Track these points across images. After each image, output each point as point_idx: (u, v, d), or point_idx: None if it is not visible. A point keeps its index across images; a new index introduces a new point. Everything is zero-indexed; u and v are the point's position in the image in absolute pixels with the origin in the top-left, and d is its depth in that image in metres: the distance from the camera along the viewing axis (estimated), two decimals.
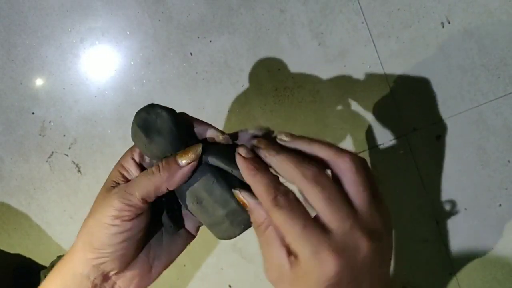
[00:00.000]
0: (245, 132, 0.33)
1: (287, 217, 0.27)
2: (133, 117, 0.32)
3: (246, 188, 0.30)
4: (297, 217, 0.27)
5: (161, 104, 0.34)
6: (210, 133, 0.32)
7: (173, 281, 0.64)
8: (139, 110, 0.33)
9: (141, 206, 0.30)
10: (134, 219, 0.30)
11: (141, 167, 0.32)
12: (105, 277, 0.32)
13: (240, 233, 0.33)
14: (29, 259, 0.64)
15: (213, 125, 0.33)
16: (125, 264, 0.32)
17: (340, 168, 0.29)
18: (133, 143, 0.33)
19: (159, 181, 0.30)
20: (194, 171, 0.31)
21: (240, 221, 0.32)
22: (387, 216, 0.29)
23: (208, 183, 0.31)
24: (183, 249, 0.36)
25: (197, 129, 0.33)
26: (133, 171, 0.32)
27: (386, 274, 0.30)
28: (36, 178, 0.62)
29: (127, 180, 0.32)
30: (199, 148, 0.30)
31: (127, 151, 0.33)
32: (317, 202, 0.27)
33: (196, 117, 0.34)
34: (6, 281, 0.61)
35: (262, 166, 0.29)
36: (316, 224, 0.27)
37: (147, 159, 0.33)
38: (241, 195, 0.30)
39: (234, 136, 0.33)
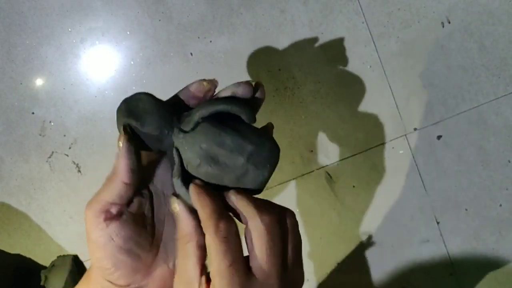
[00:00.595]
0: (227, 88, 0.31)
1: (220, 247, 0.27)
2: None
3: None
4: (230, 251, 0.27)
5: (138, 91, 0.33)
6: (194, 88, 0.31)
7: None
8: (118, 106, 0.33)
9: (115, 208, 0.29)
10: (113, 222, 0.29)
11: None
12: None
13: (270, 174, 0.31)
14: (29, 259, 0.64)
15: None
16: (134, 271, 0.30)
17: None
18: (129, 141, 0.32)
19: (117, 181, 0.29)
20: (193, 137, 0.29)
21: (263, 161, 0.30)
22: (300, 282, 0.30)
23: (215, 137, 0.29)
24: None
25: (182, 95, 0.31)
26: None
27: None
28: (36, 178, 0.62)
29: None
30: (121, 126, 0.30)
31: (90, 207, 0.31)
32: (261, 246, 0.28)
33: None
34: (6, 281, 0.61)
35: (213, 193, 0.29)
36: (244, 266, 0.27)
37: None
38: (174, 204, 0.29)
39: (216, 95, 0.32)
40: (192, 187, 0.29)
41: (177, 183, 0.29)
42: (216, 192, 0.29)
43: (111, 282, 0.30)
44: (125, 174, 0.29)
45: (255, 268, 0.28)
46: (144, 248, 0.30)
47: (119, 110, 0.31)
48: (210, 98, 0.31)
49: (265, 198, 0.30)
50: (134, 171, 0.29)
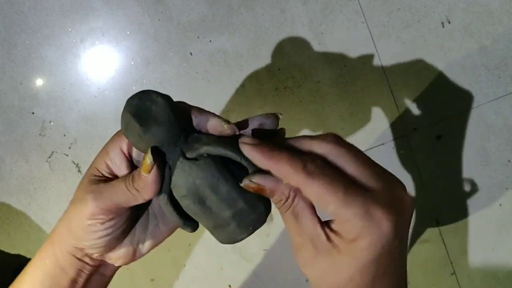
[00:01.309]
0: (254, 119, 0.29)
1: (324, 184, 0.24)
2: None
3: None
4: (336, 181, 0.24)
5: (156, 90, 0.30)
6: (212, 124, 0.28)
7: (173, 281, 0.64)
8: (131, 96, 0.29)
9: (118, 212, 0.29)
10: (112, 220, 0.29)
11: (128, 159, 0.30)
12: (89, 256, 0.32)
13: (247, 236, 0.29)
14: (30, 259, 0.64)
15: (215, 113, 0.29)
16: (107, 251, 0.31)
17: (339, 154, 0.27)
18: (123, 134, 0.29)
19: (134, 193, 0.28)
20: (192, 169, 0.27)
21: (248, 223, 0.28)
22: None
23: (213, 180, 0.27)
24: (170, 234, 0.34)
25: (197, 120, 0.29)
26: (118, 162, 0.29)
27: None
28: (36, 178, 0.62)
29: (110, 172, 0.30)
30: (149, 154, 0.27)
31: (115, 137, 0.30)
32: (355, 165, 0.26)
33: None
34: (6, 281, 0.61)
35: (273, 145, 0.26)
36: (357, 186, 0.25)
37: (135, 152, 0.29)
38: (255, 181, 0.26)
39: (240, 124, 0.29)
40: (243, 146, 0.27)
41: (163, 200, 0.28)
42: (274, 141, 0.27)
43: (80, 250, 0.31)
44: (149, 195, 0.28)
45: (367, 185, 0.26)
46: (124, 232, 0.31)
47: (130, 104, 0.28)
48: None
49: None
50: (156, 192, 0.28)
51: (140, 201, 0.28)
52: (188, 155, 0.28)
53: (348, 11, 0.60)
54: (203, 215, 0.28)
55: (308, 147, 0.27)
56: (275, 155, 0.25)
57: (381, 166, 0.27)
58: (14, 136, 0.61)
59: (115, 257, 0.32)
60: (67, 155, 0.61)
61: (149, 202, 0.32)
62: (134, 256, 0.33)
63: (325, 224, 0.26)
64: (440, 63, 0.62)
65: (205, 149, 0.27)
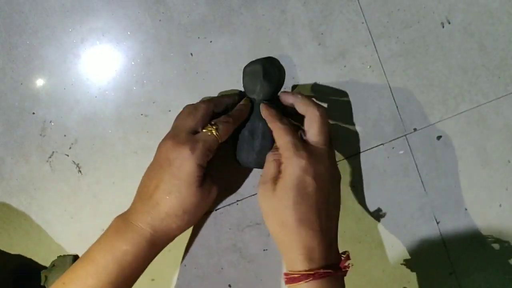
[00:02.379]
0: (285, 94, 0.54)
1: (284, 129, 0.46)
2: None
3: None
4: (291, 131, 0.46)
5: (279, 62, 0.57)
6: (282, 97, 0.55)
7: (173, 281, 0.64)
8: (263, 59, 0.56)
9: (212, 151, 0.47)
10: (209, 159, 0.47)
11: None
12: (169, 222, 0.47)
13: (254, 167, 0.56)
14: (30, 259, 0.64)
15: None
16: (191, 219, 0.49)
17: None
18: (245, 77, 0.55)
19: (232, 125, 0.49)
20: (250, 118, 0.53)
21: (260, 161, 0.52)
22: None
23: (265, 127, 0.52)
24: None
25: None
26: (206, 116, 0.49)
27: (338, 194, 0.47)
28: (36, 178, 0.62)
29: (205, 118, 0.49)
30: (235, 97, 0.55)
31: (212, 143, 0.47)
32: (317, 125, 0.47)
33: None
34: (6, 281, 0.61)
35: (271, 106, 0.52)
36: (300, 139, 0.47)
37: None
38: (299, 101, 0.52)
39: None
40: (261, 106, 0.52)
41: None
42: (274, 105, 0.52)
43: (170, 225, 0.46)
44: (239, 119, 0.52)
45: (310, 139, 0.46)
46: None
47: (262, 61, 0.55)
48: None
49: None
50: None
51: (231, 128, 0.49)
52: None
53: (348, 12, 0.60)
54: (245, 139, 0.53)
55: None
56: (269, 110, 0.52)
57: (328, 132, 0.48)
58: (15, 137, 0.61)
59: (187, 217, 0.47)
60: (68, 155, 0.61)
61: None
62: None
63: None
64: (440, 63, 0.62)
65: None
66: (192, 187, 0.43)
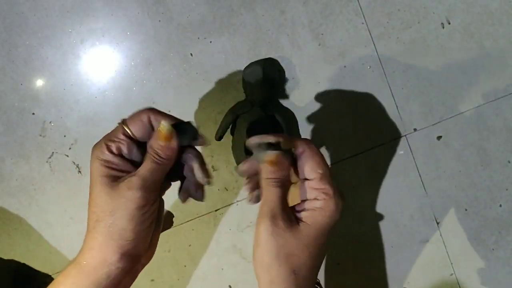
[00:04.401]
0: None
1: (319, 158, 0.37)
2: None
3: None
4: (324, 161, 0.37)
5: (279, 64, 0.58)
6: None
7: (173, 281, 0.64)
8: (262, 60, 0.56)
9: (159, 187, 0.34)
10: (153, 203, 0.34)
11: (120, 156, 0.35)
12: (135, 260, 0.34)
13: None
14: (24, 264, 0.64)
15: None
16: (148, 244, 0.36)
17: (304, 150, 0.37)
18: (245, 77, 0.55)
19: (167, 162, 0.35)
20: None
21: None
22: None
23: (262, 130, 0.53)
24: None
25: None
26: (116, 160, 0.35)
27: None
28: (36, 179, 0.62)
29: (124, 161, 0.35)
30: (166, 125, 0.35)
31: (99, 147, 0.36)
32: (317, 160, 0.36)
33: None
34: (6, 284, 0.61)
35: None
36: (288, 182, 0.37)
37: (123, 147, 0.35)
38: (268, 157, 0.36)
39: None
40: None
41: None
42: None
43: (126, 253, 0.33)
44: (174, 156, 0.36)
45: (309, 176, 0.36)
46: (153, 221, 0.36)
47: (262, 63, 0.56)
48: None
49: None
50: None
51: (171, 164, 0.35)
52: (265, 109, 0.54)
53: (348, 12, 0.60)
54: (244, 140, 0.51)
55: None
56: (292, 139, 0.37)
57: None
58: (15, 137, 0.61)
59: (150, 252, 0.37)
60: (68, 156, 0.61)
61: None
62: (154, 248, 0.38)
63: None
64: (440, 64, 0.62)
65: (272, 113, 0.55)
66: (97, 184, 0.35)
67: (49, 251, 0.63)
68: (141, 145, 0.36)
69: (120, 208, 0.32)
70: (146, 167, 0.34)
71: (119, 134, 0.36)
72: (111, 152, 0.35)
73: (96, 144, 0.36)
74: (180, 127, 0.35)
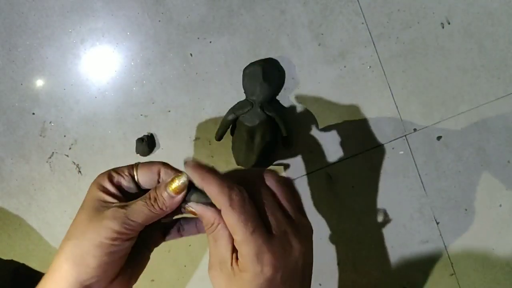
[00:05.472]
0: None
1: (239, 218, 0.30)
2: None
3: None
4: (250, 220, 0.30)
5: (279, 64, 0.58)
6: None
7: (173, 281, 0.64)
8: (262, 60, 0.56)
9: (139, 229, 0.33)
10: (130, 239, 0.32)
11: (118, 188, 0.34)
12: None
13: (253, 164, 0.57)
14: (22, 264, 0.64)
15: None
16: (111, 280, 0.33)
17: (273, 185, 0.33)
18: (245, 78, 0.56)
19: (160, 212, 0.32)
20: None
21: (258, 158, 0.55)
22: (309, 228, 0.34)
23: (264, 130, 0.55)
24: (148, 260, 0.38)
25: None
26: (112, 190, 0.34)
27: (309, 276, 0.34)
28: (36, 179, 0.62)
29: (114, 197, 0.34)
30: (183, 178, 0.32)
31: (103, 174, 0.35)
32: (267, 209, 0.32)
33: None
34: (5, 285, 0.61)
35: (211, 170, 0.31)
36: (264, 229, 0.31)
37: (124, 181, 0.35)
38: (190, 208, 0.33)
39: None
40: (186, 167, 0.32)
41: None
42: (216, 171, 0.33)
43: (86, 285, 0.31)
44: (172, 209, 0.34)
45: (275, 229, 0.31)
46: (124, 259, 0.34)
47: (261, 63, 0.56)
48: None
49: None
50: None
51: (161, 215, 0.33)
52: (265, 109, 0.55)
53: (348, 12, 0.60)
54: (244, 141, 0.54)
55: (254, 177, 0.33)
56: (207, 177, 0.31)
57: (300, 208, 0.34)
58: (15, 137, 0.61)
59: None
60: (68, 156, 0.61)
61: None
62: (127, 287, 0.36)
63: (236, 252, 0.31)
64: (439, 64, 0.62)
65: (272, 114, 0.56)
66: (85, 206, 0.34)
67: (49, 251, 0.63)
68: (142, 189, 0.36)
69: (93, 231, 0.31)
70: (137, 208, 0.32)
71: (126, 170, 0.36)
72: (111, 181, 0.35)
73: (102, 172, 0.36)
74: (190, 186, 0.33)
